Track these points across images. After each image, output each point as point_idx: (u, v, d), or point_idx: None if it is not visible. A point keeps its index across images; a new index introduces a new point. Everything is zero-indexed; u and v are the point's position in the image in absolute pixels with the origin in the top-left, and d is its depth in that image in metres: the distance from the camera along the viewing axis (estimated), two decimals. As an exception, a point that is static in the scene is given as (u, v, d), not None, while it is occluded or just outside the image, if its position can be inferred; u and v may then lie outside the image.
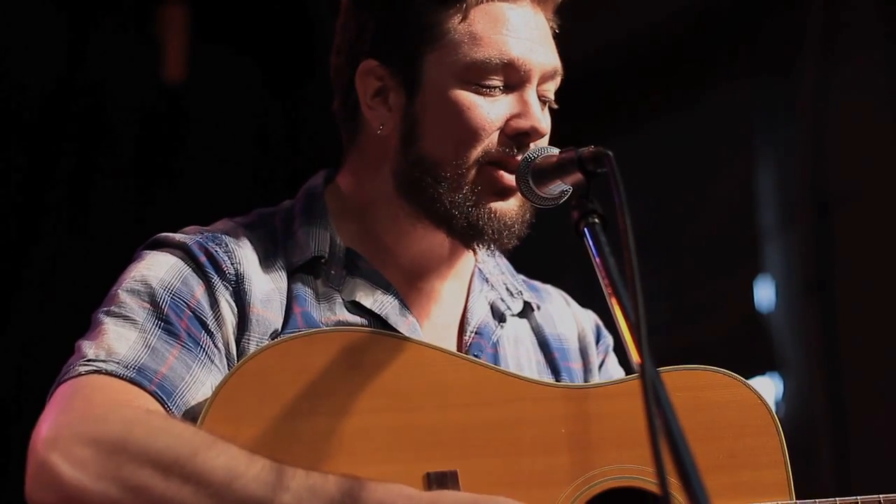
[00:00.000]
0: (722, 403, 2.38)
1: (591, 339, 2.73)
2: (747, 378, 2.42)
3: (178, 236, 2.39)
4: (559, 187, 2.33)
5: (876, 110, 5.24)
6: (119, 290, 2.31)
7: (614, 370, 2.76)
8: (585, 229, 2.08)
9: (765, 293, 5.58)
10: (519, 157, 2.41)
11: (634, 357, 1.83)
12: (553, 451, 2.29)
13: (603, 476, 2.31)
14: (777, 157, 5.59)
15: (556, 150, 2.33)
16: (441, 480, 2.20)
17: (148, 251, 2.40)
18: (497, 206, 2.42)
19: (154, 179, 5.02)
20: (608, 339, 2.78)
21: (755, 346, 5.57)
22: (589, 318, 2.78)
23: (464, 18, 2.43)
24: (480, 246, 2.46)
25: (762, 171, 5.65)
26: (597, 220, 2.09)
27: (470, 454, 2.24)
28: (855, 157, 5.26)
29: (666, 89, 5.79)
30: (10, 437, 4.53)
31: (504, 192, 2.43)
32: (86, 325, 2.32)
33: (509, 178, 2.41)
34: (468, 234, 2.44)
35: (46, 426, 2.09)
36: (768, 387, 5.54)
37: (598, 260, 2.02)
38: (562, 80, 2.52)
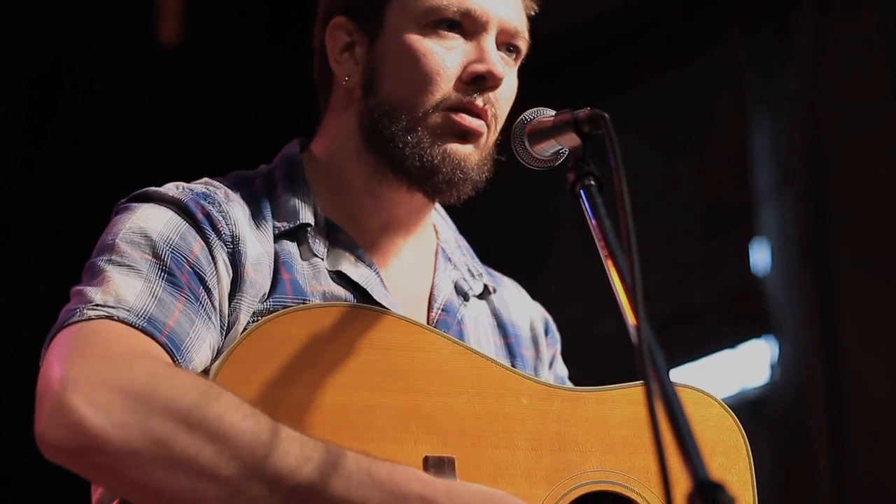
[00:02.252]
0: (698, 421, 2.38)
1: (540, 329, 2.75)
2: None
3: (168, 192, 2.36)
4: (554, 148, 2.32)
5: (872, 70, 5.23)
6: (117, 240, 2.27)
7: (561, 370, 2.79)
8: (581, 191, 2.07)
9: (760, 256, 5.58)
10: (478, 103, 2.42)
11: (630, 319, 1.82)
12: (541, 449, 2.31)
13: (585, 479, 2.32)
14: (773, 119, 5.58)
15: (551, 112, 2.32)
16: (439, 466, 2.20)
17: (137, 203, 2.36)
18: (454, 147, 2.43)
19: (145, 144, 5.01)
20: (556, 335, 2.80)
21: (751, 310, 5.57)
22: (538, 311, 2.80)
23: None
24: (434, 189, 2.46)
25: (757, 133, 5.64)
26: (593, 182, 2.08)
27: (467, 443, 2.25)
28: (852, 119, 5.25)
29: (660, 50, 5.78)
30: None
31: (464, 135, 2.44)
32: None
33: (470, 121, 2.43)
34: (421, 174, 2.44)
35: (63, 367, 2.04)
36: (764, 350, 5.55)
37: (593, 222, 2.01)
38: (531, 47, 2.54)
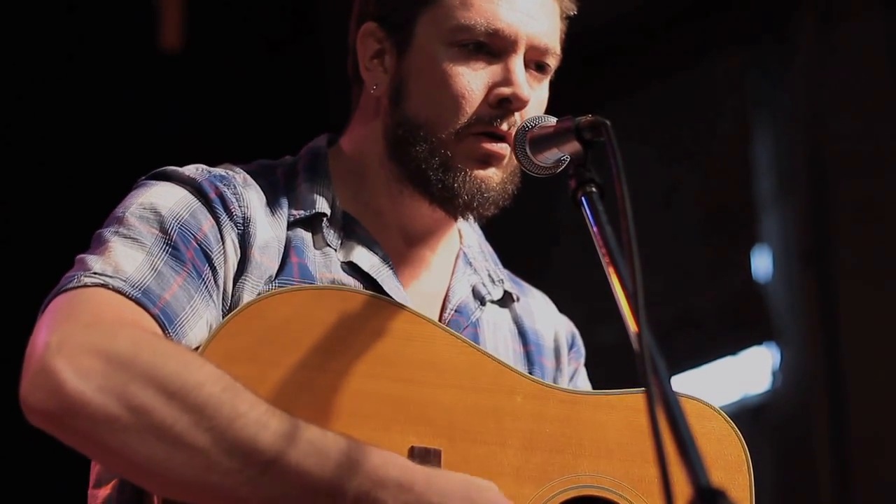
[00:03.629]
0: (700, 433, 2.36)
1: (564, 342, 2.72)
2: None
3: (186, 172, 2.37)
4: (556, 156, 2.32)
5: (874, 76, 5.23)
6: (127, 213, 2.27)
7: (584, 385, 2.76)
8: (583, 198, 2.07)
9: (762, 263, 5.58)
10: (503, 127, 2.41)
11: (632, 326, 1.82)
12: (533, 449, 2.28)
13: (575, 483, 2.30)
14: (774, 126, 5.58)
15: (553, 119, 2.32)
16: (424, 456, 2.19)
17: (154, 181, 2.37)
18: (476, 172, 2.42)
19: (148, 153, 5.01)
20: (582, 350, 2.77)
21: (752, 316, 5.57)
22: (566, 324, 2.78)
23: None
24: (454, 210, 2.46)
25: (759, 140, 5.64)
26: (594, 189, 2.08)
27: (455, 436, 2.23)
28: (853, 126, 5.25)
29: (662, 57, 5.78)
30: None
31: (486, 160, 2.42)
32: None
33: (491, 147, 2.41)
34: (444, 196, 2.43)
35: (49, 330, 2.05)
36: (765, 357, 5.55)
37: (595, 229, 2.01)
38: (561, 60, 2.51)
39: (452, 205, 2.44)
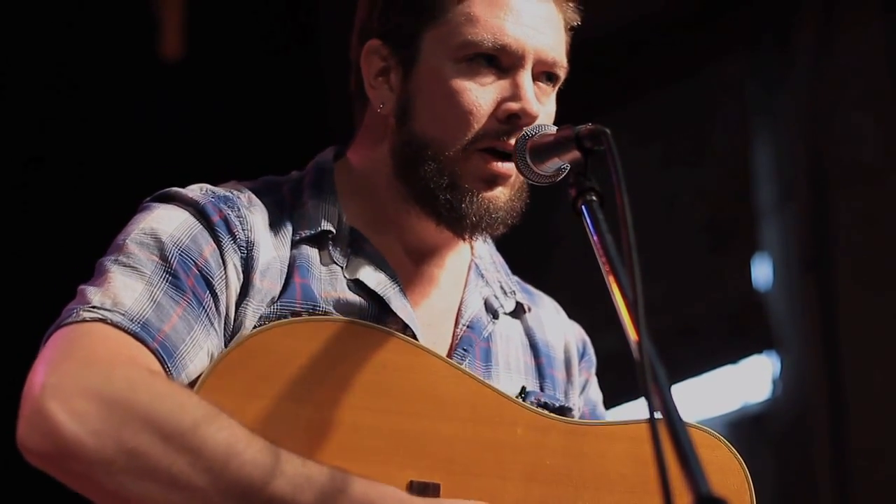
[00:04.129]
0: (704, 462, 2.37)
1: (574, 352, 2.71)
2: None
3: (189, 193, 2.35)
4: (556, 165, 2.31)
5: (874, 82, 5.23)
6: (127, 241, 2.26)
7: (595, 395, 2.75)
8: (583, 207, 2.07)
9: (762, 271, 5.58)
10: (511, 142, 2.38)
11: (632, 335, 1.82)
12: (533, 481, 2.27)
13: None
14: (775, 133, 5.59)
15: (553, 128, 2.32)
16: (423, 491, 2.18)
17: (157, 203, 2.35)
18: (483, 194, 2.40)
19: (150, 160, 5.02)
20: (593, 358, 2.75)
21: (752, 325, 5.57)
22: (576, 332, 2.75)
23: None
24: (462, 232, 2.45)
25: (759, 148, 5.65)
26: (594, 198, 2.07)
27: (455, 470, 2.22)
28: (853, 133, 5.25)
29: (662, 64, 5.79)
30: None
31: (492, 181, 2.41)
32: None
33: (498, 168, 2.40)
34: (451, 217, 2.41)
35: (46, 370, 2.05)
36: (765, 365, 5.55)
37: (595, 238, 2.01)
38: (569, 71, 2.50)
39: (460, 226, 2.42)
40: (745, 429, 5.55)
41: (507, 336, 2.59)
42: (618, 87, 5.85)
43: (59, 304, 2.21)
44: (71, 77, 5.06)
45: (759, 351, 5.57)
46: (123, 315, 2.16)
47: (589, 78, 5.39)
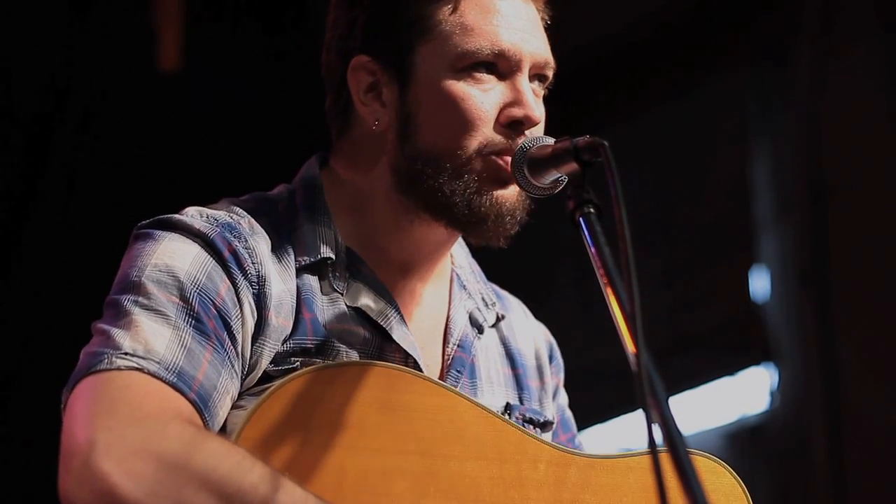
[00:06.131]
0: (707, 488, 2.39)
1: (545, 357, 2.72)
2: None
3: (193, 223, 2.32)
4: (554, 176, 2.32)
5: (872, 99, 5.24)
6: (143, 279, 2.22)
7: (563, 399, 2.77)
8: (581, 219, 2.07)
9: (760, 283, 5.58)
10: (519, 141, 2.40)
11: (630, 347, 1.83)
12: None
13: None
14: (773, 147, 5.59)
15: (551, 140, 2.33)
16: None
17: (161, 232, 2.31)
18: (499, 193, 2.41)
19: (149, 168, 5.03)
20: (560, 362, 2.77)
21: (750, 337, 5.57)
22: (542, 335, 2.77)
23: (454, 10, 2.42)
24: (481, 234, 2.44)
25: (758, 161, 5.65)
26: (592, 210, 2.08)
27: None
28: (851, 147, 5.26)
29: (661, 78, 5.79)
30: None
31: (506, 181, 2.41)
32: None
33: (504, 159, 2.40)
34: (470, 221, 2.41)
35: (91, 425, 2.02)
36: (763, 378, 5.55)
37: (593, 250, 2.02)
38: (557, 71, 2.51)
39: (480, 229, 2.43)
40: (742, 441, 5.55)
41: (486, 347, 2.60)
42: (617, 101, 5.85)
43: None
44: (67, 89, 5.06)
45: (757, 363, 5.56)
46: (159, 363, 2.13)
47: (588, 91, 5.41)
